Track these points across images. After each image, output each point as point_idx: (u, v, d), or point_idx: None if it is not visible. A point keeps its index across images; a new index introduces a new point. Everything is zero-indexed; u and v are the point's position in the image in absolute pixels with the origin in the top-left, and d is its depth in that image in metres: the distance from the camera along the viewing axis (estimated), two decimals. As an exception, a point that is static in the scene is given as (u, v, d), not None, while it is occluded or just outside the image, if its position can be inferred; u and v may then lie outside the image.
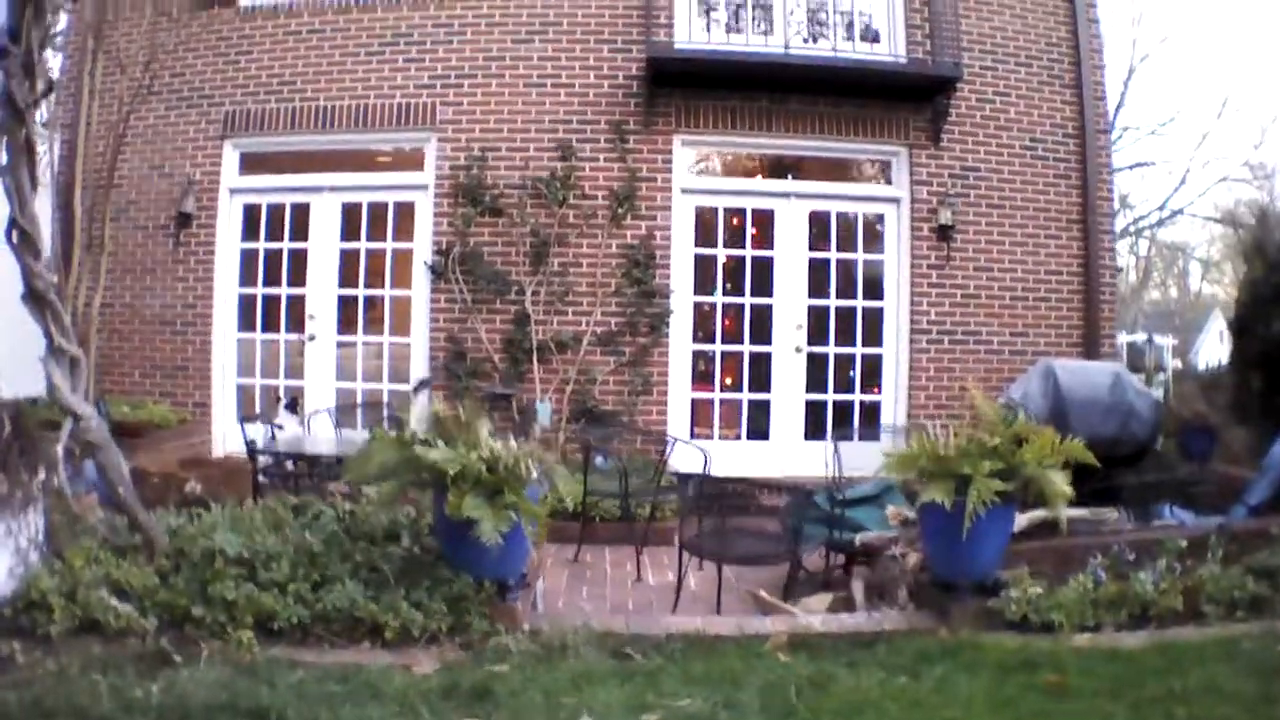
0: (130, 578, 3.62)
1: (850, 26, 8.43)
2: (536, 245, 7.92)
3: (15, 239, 3.99)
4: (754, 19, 8.26)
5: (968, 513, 3.73)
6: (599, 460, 7.37)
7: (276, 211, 8.37)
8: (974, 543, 3.88)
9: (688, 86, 8.02)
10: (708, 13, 8.35)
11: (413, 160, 8.27)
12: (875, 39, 8.45)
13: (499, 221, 7.98)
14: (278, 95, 8.35)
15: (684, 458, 6.56)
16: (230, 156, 8.43)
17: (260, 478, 6.01)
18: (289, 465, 5.98)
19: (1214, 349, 29.67)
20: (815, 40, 8.14)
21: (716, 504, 5.30)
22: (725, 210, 8.22)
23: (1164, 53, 42.21)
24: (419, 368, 8.07)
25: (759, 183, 8.34)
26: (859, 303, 8.21)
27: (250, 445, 5.62)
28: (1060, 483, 3.84)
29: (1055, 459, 3.93)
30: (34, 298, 4.01)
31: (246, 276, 8.38)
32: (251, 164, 8.48)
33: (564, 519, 6.27)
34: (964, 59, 8.18)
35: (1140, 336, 14.68)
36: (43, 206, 5.17)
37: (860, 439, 7.86)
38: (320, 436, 7.15)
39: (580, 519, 6.27)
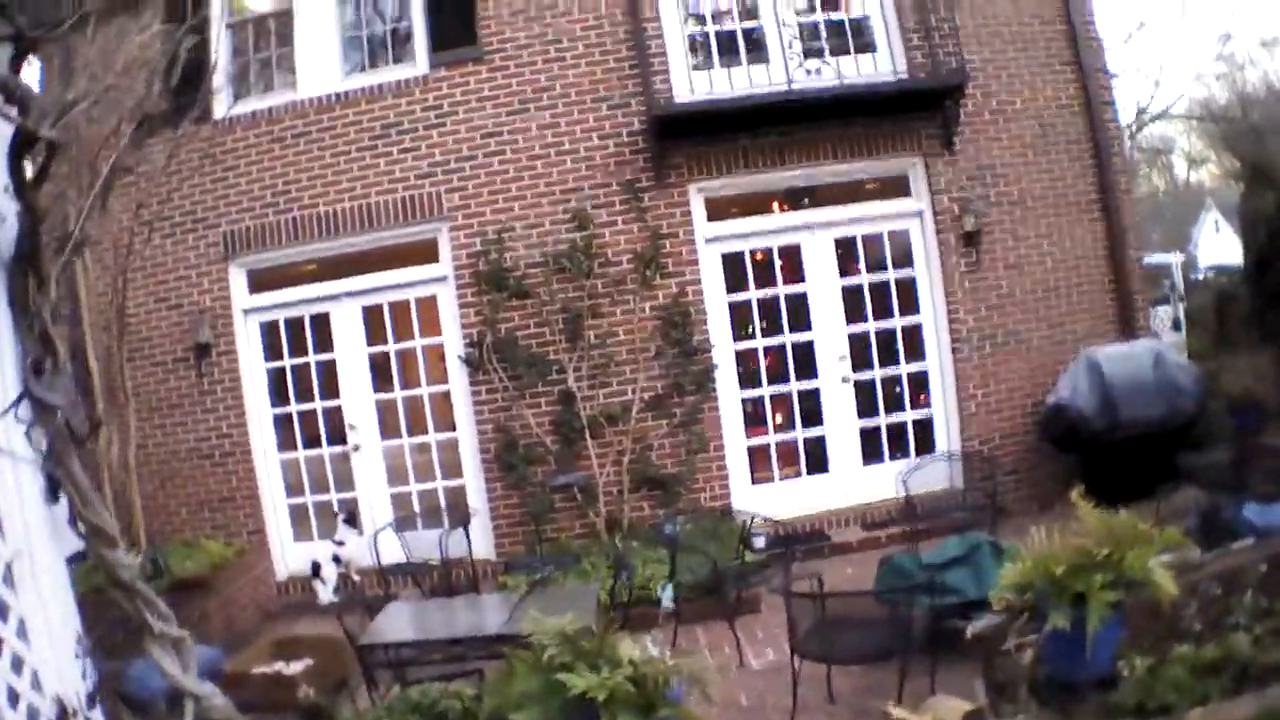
0: None
1: (845, 41, 8.86)
2: (569, 321, 8.43)
3: (85, 532, 4.03)
4: (749, 52, 8.69)
5: (1089, 634, 4.35)
6: (668, 529, 8.02)
7: (296, 325, 8.83)
8: (1094, 651, 4.51)
9: (694, 134, 8.48)
10: (702, 52, 8.79)
11: (427, 252, 8.72)
12: (873, 49, 8.90)
13: (527, 303, 8.48)
14: (274, 208, 8.76)
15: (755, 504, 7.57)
16: (238, 277, 8.86)
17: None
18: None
19: (1212, 241, 30.34)
20: (811, 63, 8.53)
21: (814, 595, 5.73)
22: (752, 252, 8.74)
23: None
24: (469, 460, 8.63)
25: (781, 218, 8.85)
26: (897, 321, 8.80)
27: (353, 639, 5.74)
28: (1167, 582, 4.46)
29: (1157, 551, 4.54)
30: (120, 589, 4.03)
31: (277, 396, 8.87)
32: (261, 281, 8.91)
33: (650, 605, 6.99)
34: (965, 55, 8.66)
35: (1152, 257, 15.35)
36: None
37: (918, 458, 8.59)
38: (387, 553, 7.71)
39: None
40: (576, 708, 4.07)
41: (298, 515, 8.91)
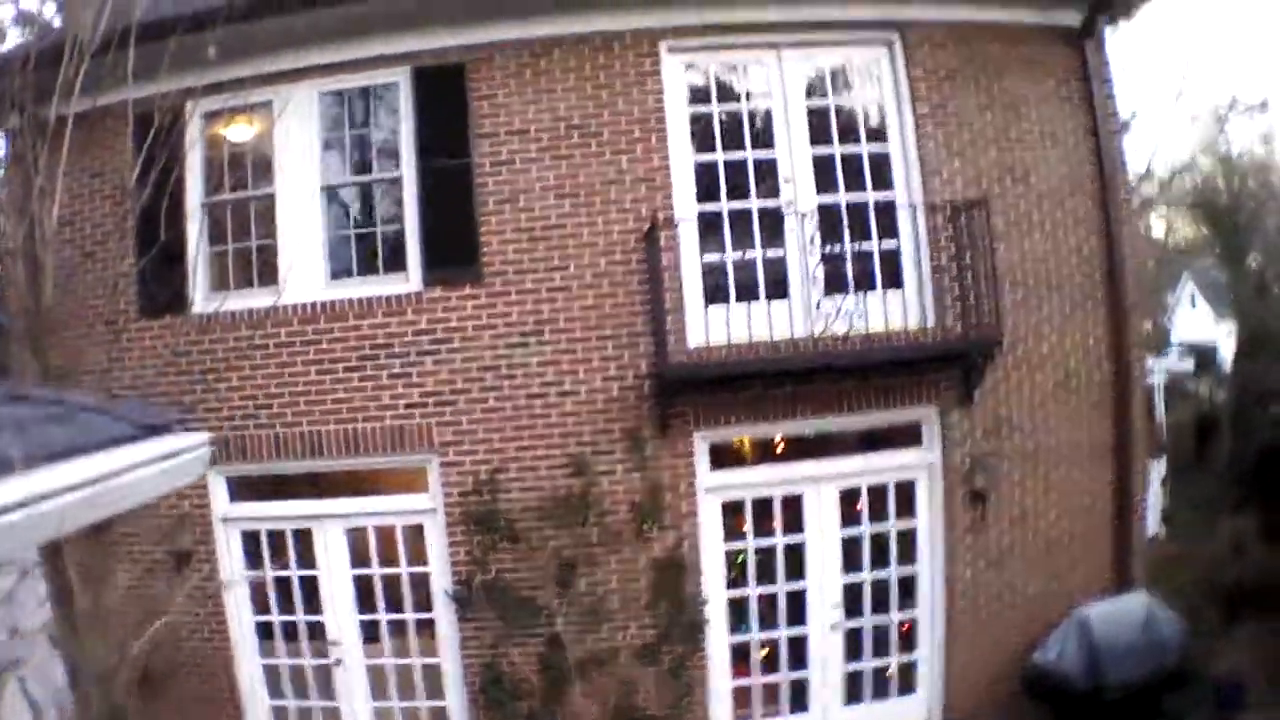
0: None
1: (871, 271, 7.77)
2: (561, 568, 7.65)
3: None
4: (769, 284, 7.61)
5: None
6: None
7: (278, 538, 7.98)
8: None
9: (704, 386, 7.48)
10: (720, 285, 7.68)
11: (416, 482, 7.81)
12: (900, 285, 7.81)
13: (518, 546, 7.65)
14: (255, 420, 7.76)
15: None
16: (218, 485, 7.94)
17: None
18: None
19: (1188, 316, 28.76)
20: (837, 308, 7.45)
21: None
22: (753, 501, 7.89)
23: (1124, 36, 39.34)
24: (453, 687, 8.00)
25: (786, 469, 7.95)
26: (893, 571, 8.09)
27: None
28: None
29: None
30: None
31: (258, 604, 8.09)
32: (242, 490, 8.00)
33: None
34: (1000, 299, 7.64)
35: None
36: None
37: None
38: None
39: None
40: None
41: (279, 716, 8.27)
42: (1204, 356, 18.78)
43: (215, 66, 7.54)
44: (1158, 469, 12.71)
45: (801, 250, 7.43)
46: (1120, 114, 8.27)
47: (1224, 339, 22.21)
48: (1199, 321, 27.87)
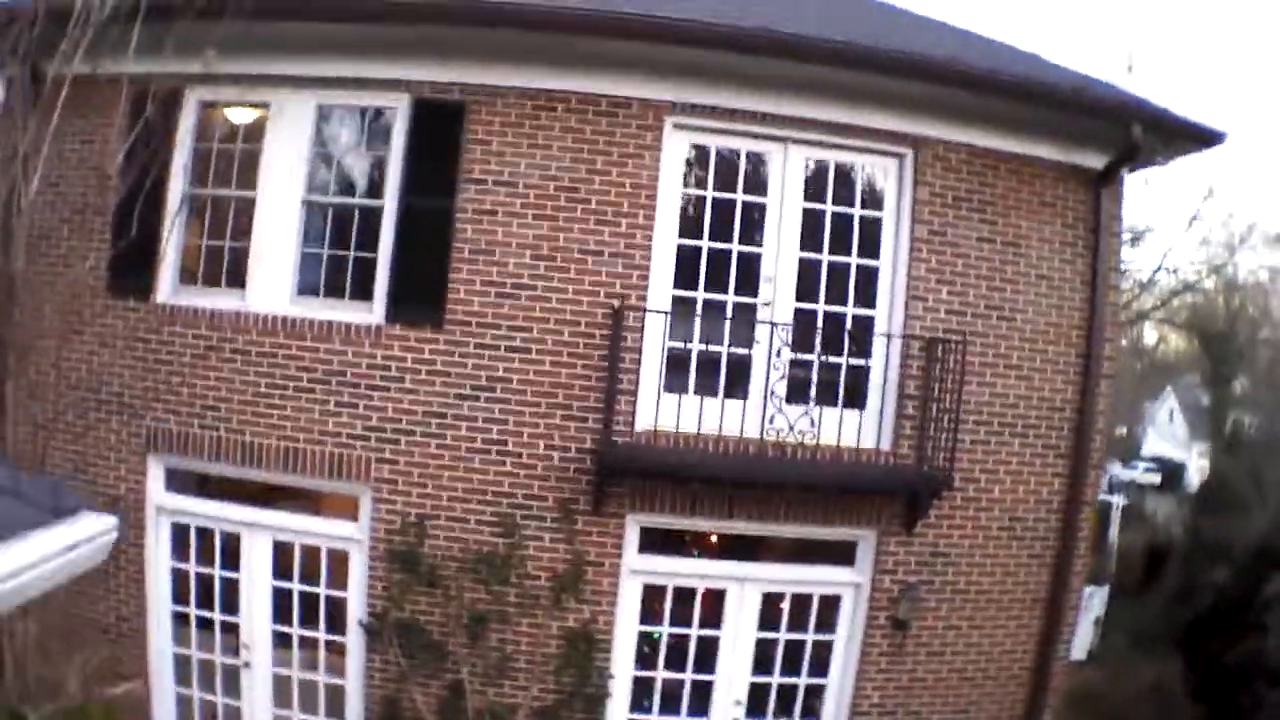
0: None
1: (835, 383, 7.58)
2: (474, 620, 7.59)
3: None
4: (728, 402, 7.43)
5: None
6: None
7: (207, 536, 7.94)
8: None
9: (644, 470, 7.34)
10: (680, 372, 7.50)
11: (347, 509, 7.74)
12: (862, 406, 7.61)
13: (436, 592, 7.59)
14: (201, 420, 7.69)
15: None
16: (156, 472, 7.91)
17: None
18: None
19: (1164, 429, 27.84)
20: (796, 421, 7.27)
21: None
22: (674, 589, 7.78)
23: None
24: (354, 716, 7.98)
25: (714, 565, 7.82)
26: (802, 680, 8.00)
27: None
28: None
29: None
30: None
31: (179, 595, 8.09)
32: (178, 482, 7.97)
33: None
34: (961, 438, 7.45)
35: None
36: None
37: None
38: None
39: None
40: None
41: (183, 704, 8.31)
42: (1171, 473, 18.40)
43: (218, 58, 7.37)
44: (1100, 596, 12.46)
45: (768, 358, 7.21)
46: (1124, 260, 7.95)
47: (1194, 459, 21.85)
48: (1174, 436, 27.33)
